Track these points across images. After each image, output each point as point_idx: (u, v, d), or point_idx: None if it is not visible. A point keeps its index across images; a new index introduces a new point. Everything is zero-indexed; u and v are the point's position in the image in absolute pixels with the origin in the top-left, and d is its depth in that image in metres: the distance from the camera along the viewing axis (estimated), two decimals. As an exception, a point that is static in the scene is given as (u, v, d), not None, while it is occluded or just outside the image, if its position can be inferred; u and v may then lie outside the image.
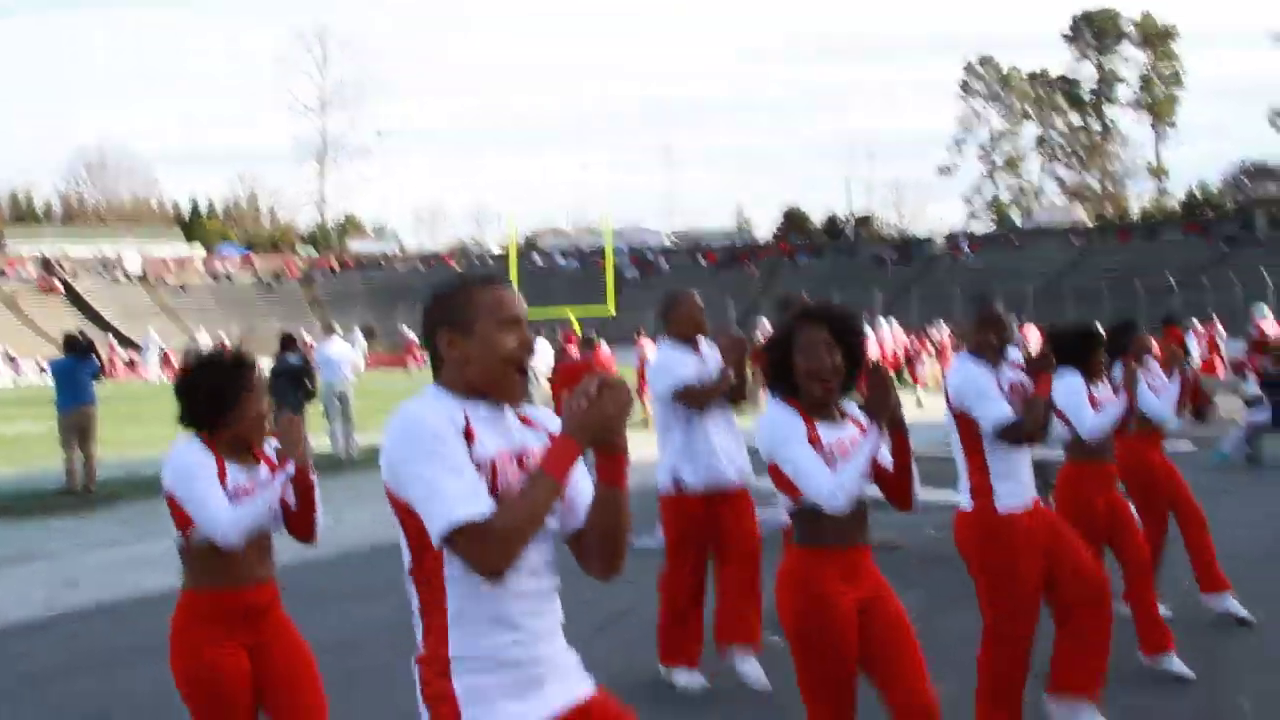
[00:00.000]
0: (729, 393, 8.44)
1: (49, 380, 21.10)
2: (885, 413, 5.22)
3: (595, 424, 3.44)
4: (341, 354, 24.20)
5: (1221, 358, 33.82)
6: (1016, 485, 6.76)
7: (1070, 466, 8.55)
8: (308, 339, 40.02)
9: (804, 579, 5.31)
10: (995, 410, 6.64)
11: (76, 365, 19.98)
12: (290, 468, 5.37)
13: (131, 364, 66.09)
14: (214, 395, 5.39)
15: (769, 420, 5.39)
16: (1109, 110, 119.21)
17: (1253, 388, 21.92)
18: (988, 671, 6.73)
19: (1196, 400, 10.31)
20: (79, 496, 19.09)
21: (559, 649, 3.71)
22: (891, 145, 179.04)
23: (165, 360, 64.13)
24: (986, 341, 6.86)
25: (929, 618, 5.38)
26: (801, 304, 9.41)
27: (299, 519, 5.55)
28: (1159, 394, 9.58)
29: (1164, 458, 9.92)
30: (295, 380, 21.14)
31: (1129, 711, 7.61)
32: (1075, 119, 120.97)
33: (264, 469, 5.45)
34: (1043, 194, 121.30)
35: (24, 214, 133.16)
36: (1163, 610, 9.56)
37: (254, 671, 5.35)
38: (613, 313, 55.40)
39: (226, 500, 5.22)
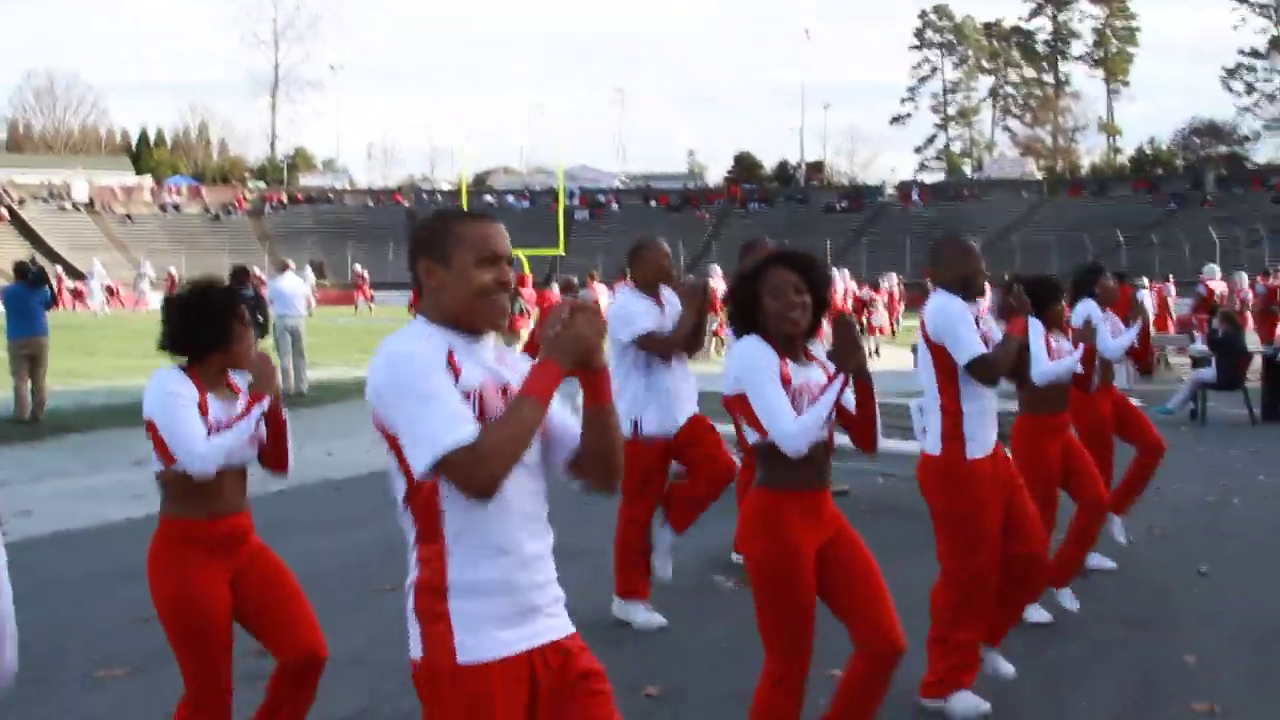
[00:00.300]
0: (688, 340, 8.53)
1: (-3, 308, 20.88)
2: (852, 361, 5.31)
3: (572, 346, 3.52)
4: (294, 288, 24.09)
5: (1170, 316, 34.14)
6: (984, 432, 6.85)
7: (1024, 419, 8.69)
8: (258, 273, 39.83)
9: (770, 521, 5.41)
10: (969, 343, 6.72)
11: (28, 293, 19.75)
12: (265, 403, 5.43)
13: (78, 294, 65.54)
14: (210, 324, 5.42)
15: (743, 352, 5.46)
16: (1063, 65, 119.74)
17: (1200, 346, 22.19)
18: (944, 615, 6.85)
19: (1146, 355, 10.54)
20: (28, 426, 18.88)
21: (550, 580, 3.80)
22: (846, 95, 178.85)
23: (111, 293, 63.71)
24: (961, 278, 6.93)
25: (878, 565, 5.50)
26: (763, 246, 9.59)
27: (272, 452, 5.61)
28: (1115, 337, 9.81)
29: (1116, 403, 10.09)
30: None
31: (1073, 664, 7.76)
32: (1029, 72, 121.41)
33: (240, 401, 5.49)
34: (995, 147, 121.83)
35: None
36: (1108, 562, 9.72)
37: (235, 600, 5.42)
38: (563, 253, 55.39)
39: (205, 432, 5.27)
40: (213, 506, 5.36)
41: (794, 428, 5.26)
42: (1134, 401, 10.63)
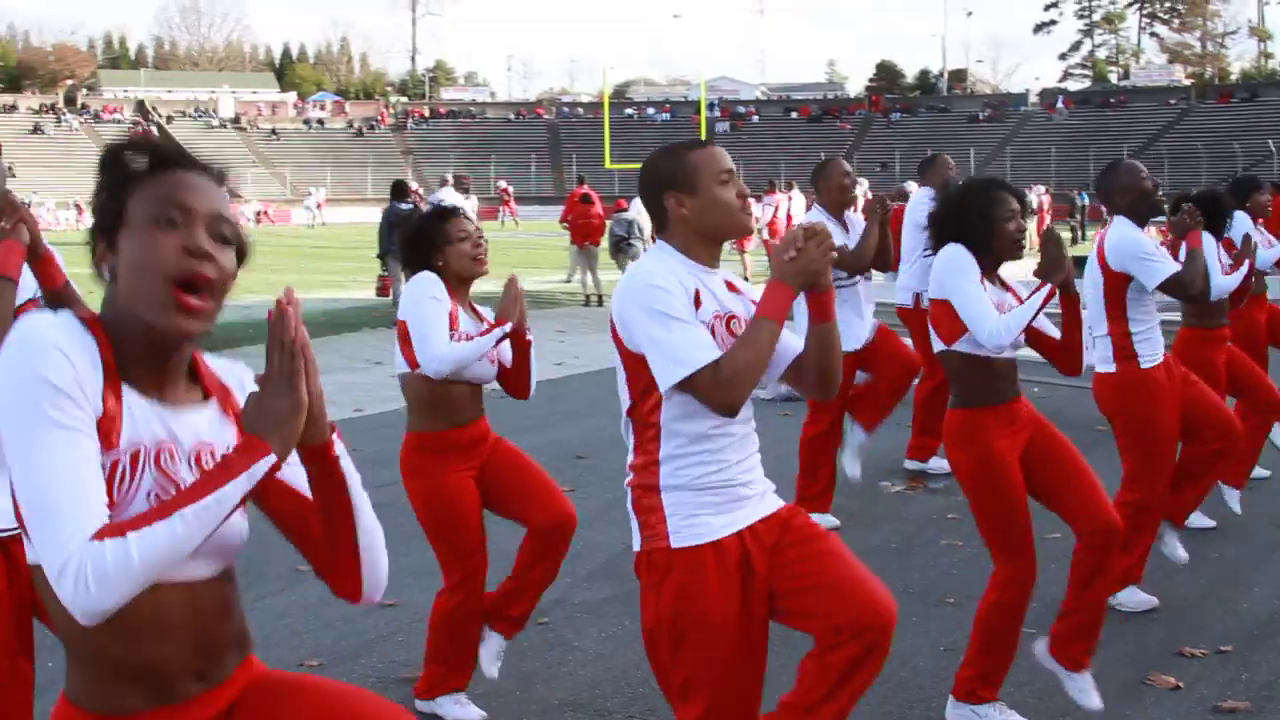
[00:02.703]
0: (875, 257, 8.89)
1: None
2: (1058, 275, 5.55)
3: (804, 270, 3.86)
4: (455, 203, 24.42)
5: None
6: (1152, 346, 7.12)
7: (1188, 332, 8.81)
8: (415, 187, 40.45)
9: (971, 436, 5.64)
10: (1160, 267, 6.97)
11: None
12: (508, 325, 5.78)
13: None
14: (422, 242, 5.82)
15: (948, 257, 5.69)
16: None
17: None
18: (1128, 517, 7.15)
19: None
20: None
21: (757, 478, 4.13)
22: (989, 1, 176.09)
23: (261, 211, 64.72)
24: (1136, 200, 7.20)
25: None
26: (944, 162, 10.03)
27: (514, 376, 5.95)
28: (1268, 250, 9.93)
29: (1271, 314, 10.21)
30: (407, 228, 21.40)
31: (1233, 566, 7.99)
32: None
33: (482, 323, 5.84)
34: (1141, 53, 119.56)
35: (117, 58, 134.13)
36: (1262, 471, 9.84)
37: (482, 491, 5.85)
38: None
39: (448, 336, 5.64)
40: (452, 419, 5.76)
41: (996, 324, 5.46)
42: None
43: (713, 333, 3.96)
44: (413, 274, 5.85)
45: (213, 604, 2.66)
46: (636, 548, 4.10)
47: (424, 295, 5.72)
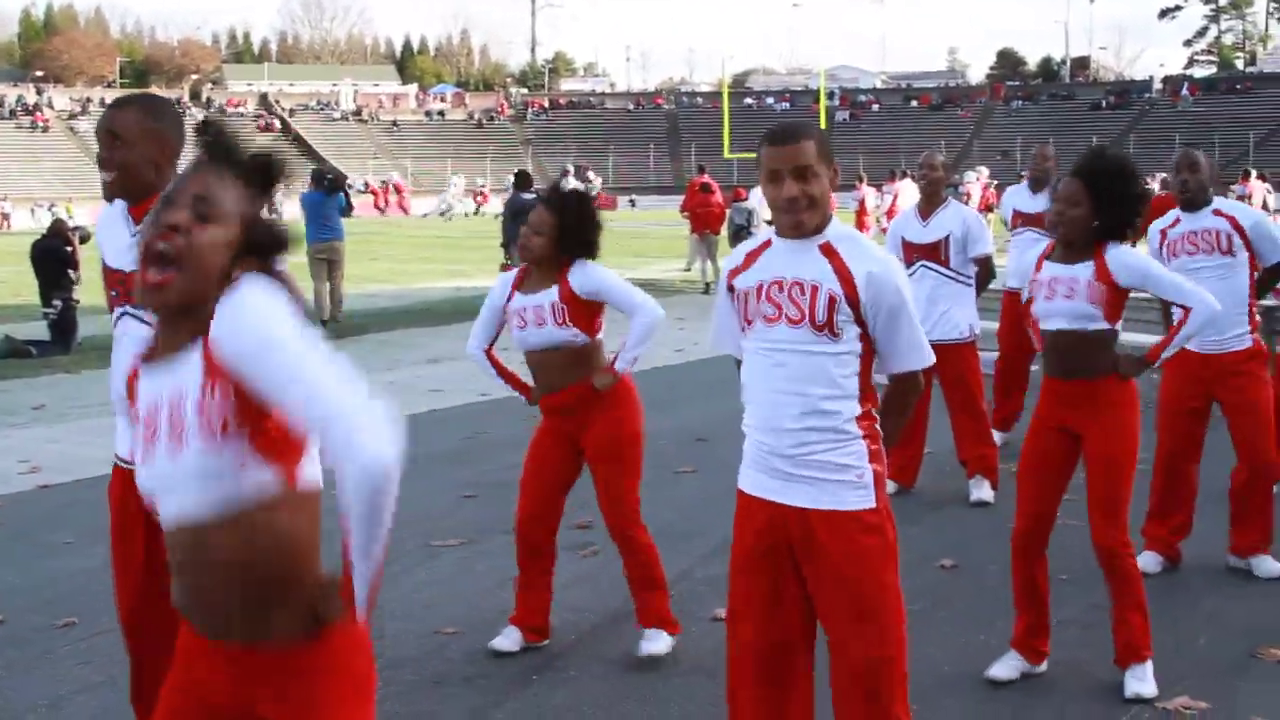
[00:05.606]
0: None
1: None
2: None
3: None
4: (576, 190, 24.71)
5: None
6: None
7: None
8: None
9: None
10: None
11: (324, 200, 20.52)
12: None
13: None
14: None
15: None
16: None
17: None
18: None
19: None
20: (326, 328, 19.29)
21: (808, 455, 4.32)
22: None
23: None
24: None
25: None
26: (1041, 151, 10.30)
27: None
28: None
29: None
30: (530, 218, 21.64)
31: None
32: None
33: (549, 298, 6.28)
34: (1270, 39, 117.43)
35: (241, 52, 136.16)
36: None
37: (582, 451, 6.50)
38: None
39: (485, 318, 6.74)
40: (541, 385, 6.50)
41: None
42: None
43: (744, 298, 4.34)
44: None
45: (209, 549, 2.89)
46: None
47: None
